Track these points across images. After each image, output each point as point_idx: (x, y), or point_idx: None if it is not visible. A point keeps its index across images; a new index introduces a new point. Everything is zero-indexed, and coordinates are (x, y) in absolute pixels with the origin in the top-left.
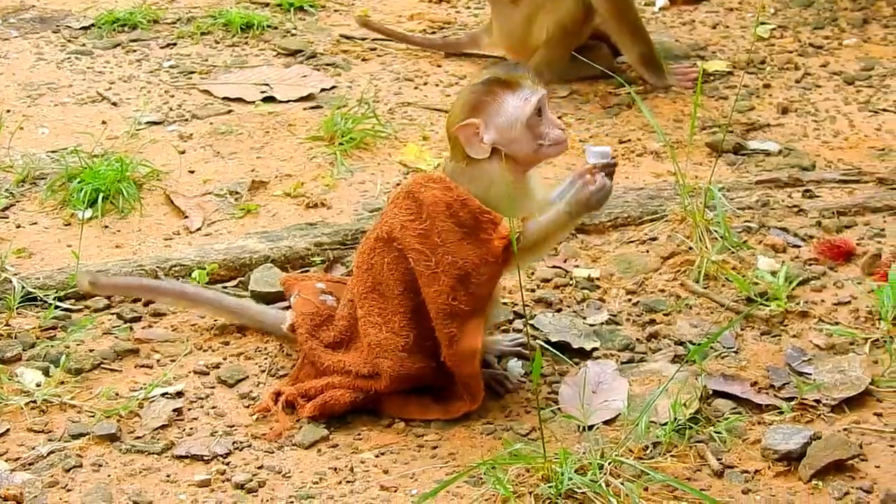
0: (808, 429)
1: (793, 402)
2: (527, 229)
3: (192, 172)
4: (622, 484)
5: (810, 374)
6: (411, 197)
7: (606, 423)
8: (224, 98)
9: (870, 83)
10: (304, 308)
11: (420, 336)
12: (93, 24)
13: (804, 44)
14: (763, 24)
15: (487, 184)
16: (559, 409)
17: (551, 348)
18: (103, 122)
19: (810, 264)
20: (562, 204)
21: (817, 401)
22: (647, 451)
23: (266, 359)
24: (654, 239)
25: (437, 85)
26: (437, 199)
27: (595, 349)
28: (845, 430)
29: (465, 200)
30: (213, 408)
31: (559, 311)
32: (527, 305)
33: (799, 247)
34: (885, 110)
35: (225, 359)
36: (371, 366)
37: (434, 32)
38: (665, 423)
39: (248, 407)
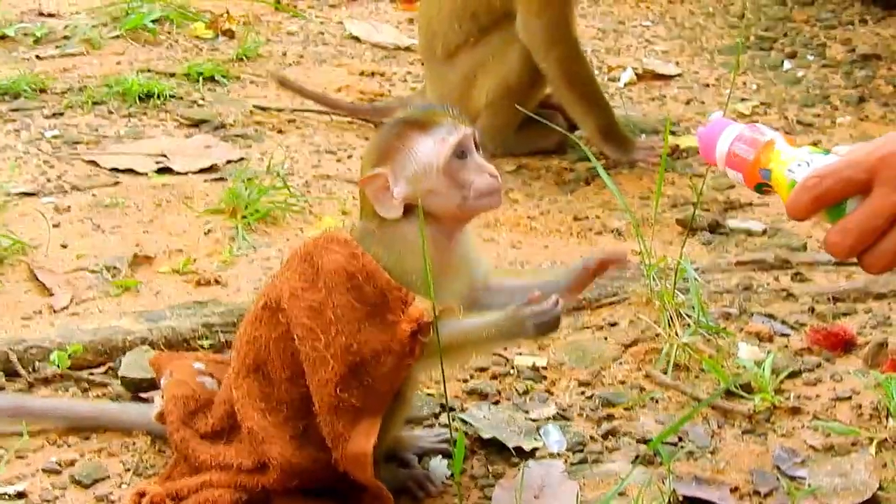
0: None
1: None
2: (442, 326)
3: (64, 247)
4: None
5: (804, 479)
6: (308, 260)
7: None
8: (112, 169)
9: None
10: (176, 391)
11: (315, 425)
12: None
13: (791, 121)
14: (744, 100)
15: (401, 251)
16: None
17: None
18: None
19: (802, 354)
20: (495, 314)
21: None
22: None
23: (133, 456)
24: (614, 324)
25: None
26: (338, 267)
27: (536, 448)
28: None
29: (372, 272)
30: None
31: (496, 403)
32: (457, 397)
33: (788, 335)
34: None
35: (82, 455)
36: (256, 455)
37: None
38: None
39: None
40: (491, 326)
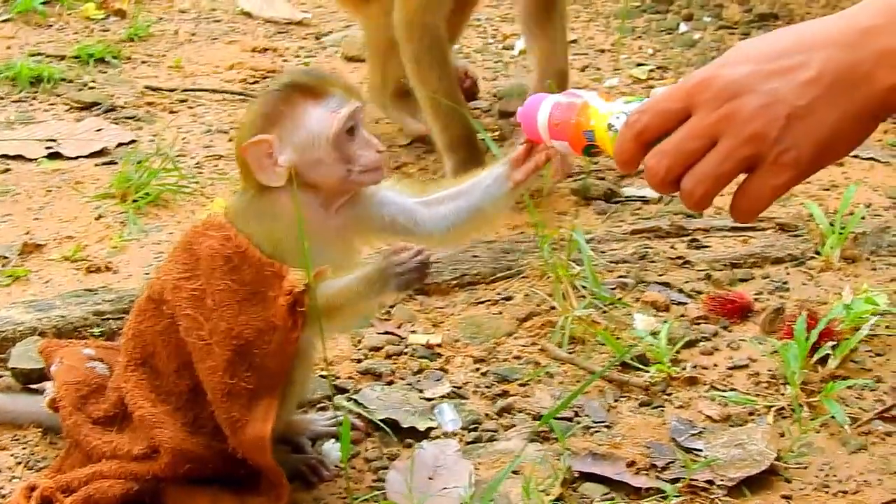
0: None
1: (679, 484)
2: (317, 288)
3: None
4: None
5: (701, 451)
6: (188, 249)
7: None
8: (1, 156)
9: None
10: (68, 377)
11: (206, 415)
12: None
13: None
14: (640, 65)
15: (273, 220)
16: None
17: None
18: None
19: (698, 323)
20: (363, 269)
21: (710, 482)
22: None
23: (24, 449)
24: (509, 299)
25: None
26: (213, 252)
27: (431, 428)
28: None
29: (245, 251)
30: None
31: (390, 383)
32: (350, 377)
33: (685, 304)
34: None
35: None
36: (146, 441)
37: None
38: None
39: None
40: (359, 282)
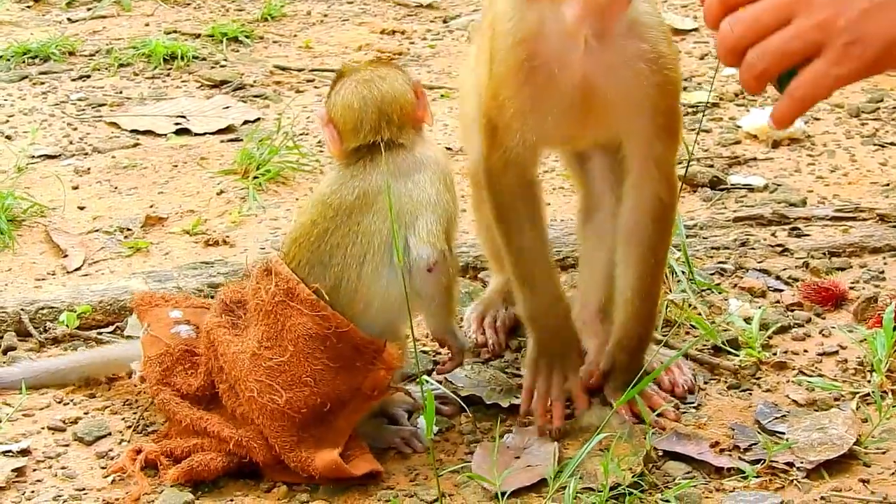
0: (777, 496)
1: (759, 466)
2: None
3: (81, 209)
4: None
5: (783, 434)
6: (272, 315)
7: (530, 489)
8: (132, 131)
9: (877, 116)
10: (151, 351)
11: None
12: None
13: None
14: None
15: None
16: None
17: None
18: None
19: (793, 310)
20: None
21: (790, 464)
22: None
23: (135, 413)
24: None
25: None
26: (308, 332)
27: (515, 406)
28: (822, 498)
29: (343, 332)
30: (63, 468)
31: (487, 361)
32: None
33: (781, 291)
34: (892, 144)
35: (87, 413)
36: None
37: None
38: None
39: (105, 468)
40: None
